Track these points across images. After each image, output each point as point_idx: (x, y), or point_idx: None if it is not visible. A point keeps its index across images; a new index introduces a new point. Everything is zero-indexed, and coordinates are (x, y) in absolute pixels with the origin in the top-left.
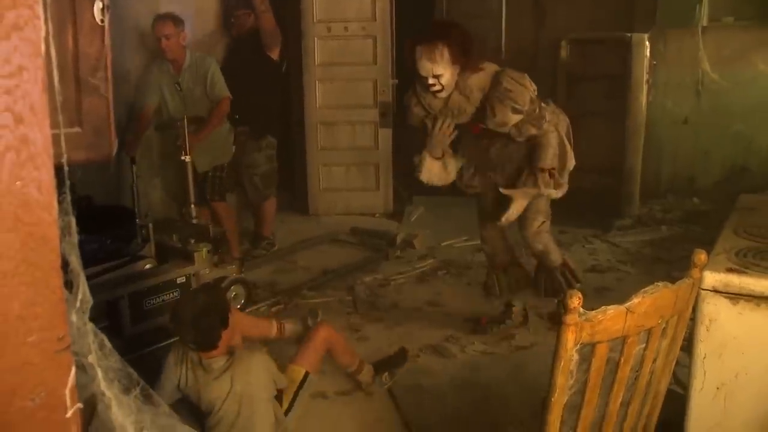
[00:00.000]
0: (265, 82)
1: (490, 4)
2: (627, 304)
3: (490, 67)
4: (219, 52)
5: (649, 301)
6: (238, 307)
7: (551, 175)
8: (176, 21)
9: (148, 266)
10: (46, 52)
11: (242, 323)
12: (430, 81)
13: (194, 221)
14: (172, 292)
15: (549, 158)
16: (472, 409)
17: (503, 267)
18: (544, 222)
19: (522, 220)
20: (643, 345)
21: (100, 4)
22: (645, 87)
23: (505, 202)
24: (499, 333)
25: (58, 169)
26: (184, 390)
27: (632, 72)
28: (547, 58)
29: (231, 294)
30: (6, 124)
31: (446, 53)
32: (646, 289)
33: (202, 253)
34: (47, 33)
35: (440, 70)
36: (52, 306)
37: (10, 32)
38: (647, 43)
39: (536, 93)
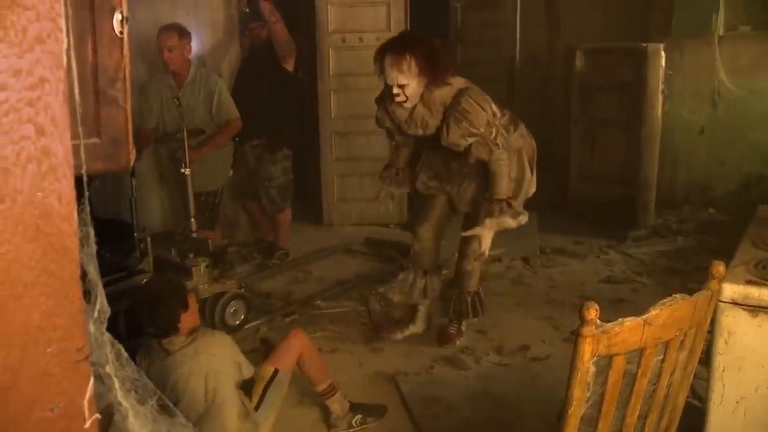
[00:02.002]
0: (280, 93)
1: (505, 13)
2: (644, 316)
3: (457, 82)
4: (232, 62)
5: (667, 313)
6: (237, 323)
7: (509, 204)
8: (182, 32)
9: (145, 281)
10: (67, 64)
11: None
12: (395, 90)
13: (194, 235)
14: None
15: (504, 189)
16: (487, 420)
17: (424, 269)
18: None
19: (467, 238)
20: (660, 357)
21: (119, 16)
22: (660, 97)
23: (468, 216)
24: (398, 336)
25: (78, 180)
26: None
27: (647, 82)
28: (562, 68)
29: (231, 309)
30: (28, 135)
31: (413, 64)
32: (664, 300)
33: (201, 268)
34: (69, 45)
35: (405, 80)
36: (72, 316)
37: (33, 45)
38: (662, 53)
39: (499, 117)
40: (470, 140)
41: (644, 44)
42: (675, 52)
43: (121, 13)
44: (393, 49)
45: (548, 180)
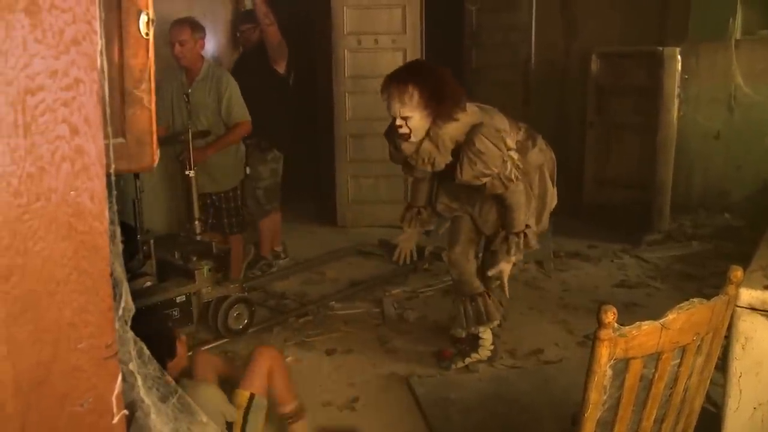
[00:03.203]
0: (271, 95)
1: (520, 16)
2: (662, 320)
3: (467, 118)
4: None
5: (684, 318)
6: (241, 327)
7: (525, 235)
8: (195, 27)
9: (147, 284)
10: (99, 65)
11: (214, 363)
12: (398, 122)
13: (198, 238)
14: (172, 311)
15: (521, 222)
16: (500, 422)
17: (470, 294)
18: None
19: (490, 256)
20: (677, 361)
21: (145, 18)
22: (676, 101)
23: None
24: (463, 366)
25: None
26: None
27: (663, 86)
28: (577, 71)
29: (234, 313)
30: (63, 135)
31: (416, 96)
32: (681, 305)
33: (203, 271)
34: (102, 47)
35: (408, 112)
36: (102, 313)
37: (69, 46)
38: (679, 56)
39: (515, 136)
40: (485, 180)
41: (660, 48)
42: (691, 56)
43: (147, 14)
44: (397, 79)
45: (563, 183)
